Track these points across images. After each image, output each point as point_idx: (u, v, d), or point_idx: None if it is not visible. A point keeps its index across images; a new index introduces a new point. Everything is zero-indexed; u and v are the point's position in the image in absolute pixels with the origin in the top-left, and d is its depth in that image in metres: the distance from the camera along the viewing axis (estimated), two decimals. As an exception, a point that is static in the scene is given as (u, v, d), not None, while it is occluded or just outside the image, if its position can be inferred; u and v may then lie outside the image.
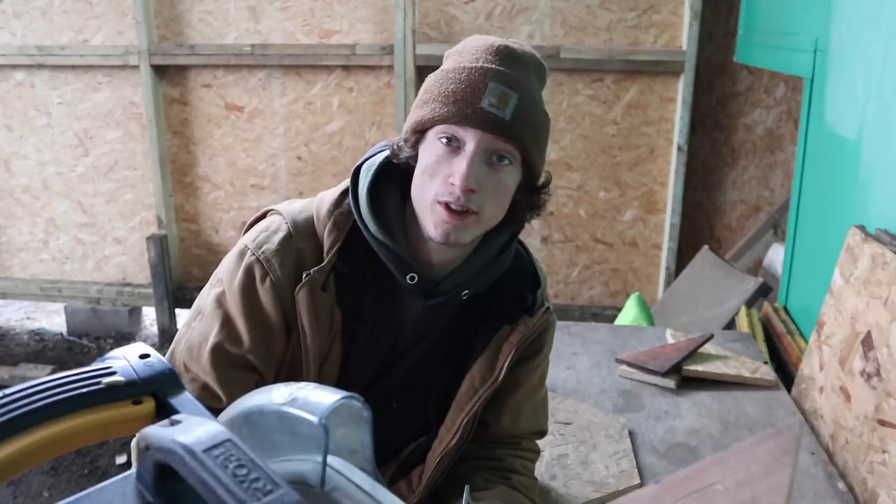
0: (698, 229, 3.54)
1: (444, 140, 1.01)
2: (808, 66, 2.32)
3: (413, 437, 1.24)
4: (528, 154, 1.03)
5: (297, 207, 1.12)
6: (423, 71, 3.29)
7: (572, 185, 3.43)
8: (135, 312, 3.90)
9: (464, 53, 1.05)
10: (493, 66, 1.01)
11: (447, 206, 1.00)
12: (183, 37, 3.47)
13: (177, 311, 3.76)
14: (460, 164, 0.99)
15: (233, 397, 1.04)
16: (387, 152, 1.11)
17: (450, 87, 1.00)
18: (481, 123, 0.98)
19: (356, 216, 1.08)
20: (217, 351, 1.06)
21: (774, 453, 1.05)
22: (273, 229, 1.09)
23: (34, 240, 3.87)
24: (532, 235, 3.48)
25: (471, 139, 0.99)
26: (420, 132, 1.04)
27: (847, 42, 2.06)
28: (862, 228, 1.76)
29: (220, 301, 1.08)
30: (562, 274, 3.56)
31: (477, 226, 1.04)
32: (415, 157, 1.06)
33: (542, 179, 1.09)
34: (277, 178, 3.61)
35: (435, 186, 1.01)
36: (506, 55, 1.03)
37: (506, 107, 0.98)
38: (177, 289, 3.74)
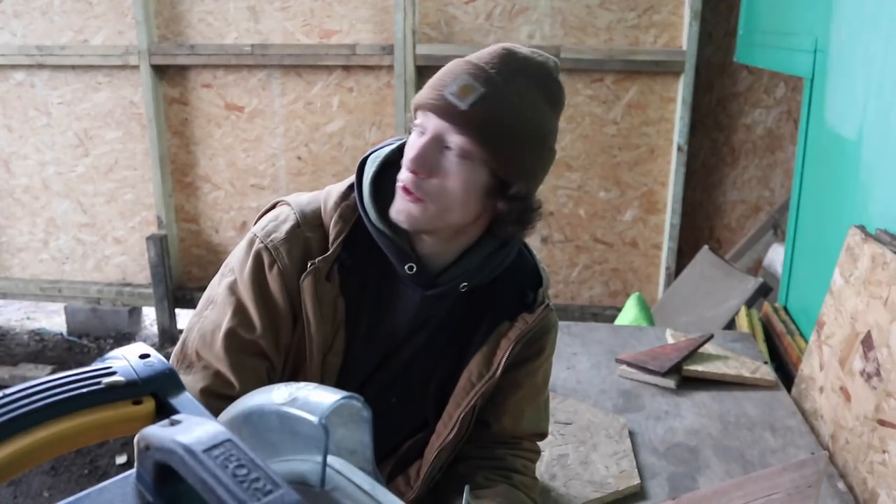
0: (698, 229, 3.54)
1: (416, 126, 1.04)
2: (808, 66, 2.32)
3: (411, 433, 1.24)
4: (492, 155, 1.01)
5: (305, 199, 1.14)
6: (423, 71, 3.29)
7: (572, 185, 3.43)
8: (135, 312, 3.90)
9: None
10: (478, 62, 1.02)
11: (406, 189, 1.02)
12: (183, 37, 3.47)
13: (177, 311, 3.76)
14: (413, 147, 1.02)
15: (245, 383, 1.06)
16: (395, 144, 1.13)
17: (434, 77, 1.04)
18: (436, 109, 1.00)
19: (359, 206, 1.09)
20: (231, 336, 1.07)
21: (798, 485, 1.04)
22: (282, 219, 1.11)
23: (34, 240, 3.87)
24: (532, 235, 3.47)
25: (430, 125, 1.01)
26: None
27: (847, 42, 2.06)
28: (862, 228, 1.76)
29: (232, 289, 1.10)
30: (562, 274, 3.55)
31: (427, 214, 1.03)
32: None
33: (520, 189, 1.05)
34: (277, 178, 3.61)
35: (400, 170, 1.04)
36: (499, 56, 1.04)
37: (464, 98, 0.99)
38: (177, 289, 3.74)
